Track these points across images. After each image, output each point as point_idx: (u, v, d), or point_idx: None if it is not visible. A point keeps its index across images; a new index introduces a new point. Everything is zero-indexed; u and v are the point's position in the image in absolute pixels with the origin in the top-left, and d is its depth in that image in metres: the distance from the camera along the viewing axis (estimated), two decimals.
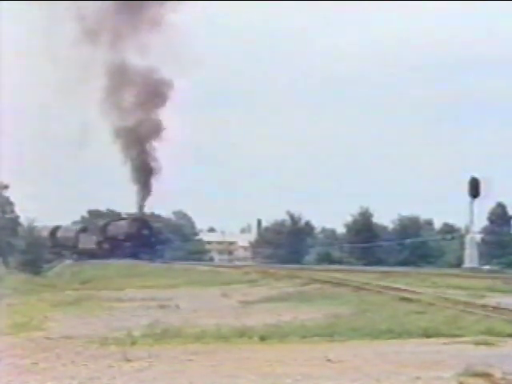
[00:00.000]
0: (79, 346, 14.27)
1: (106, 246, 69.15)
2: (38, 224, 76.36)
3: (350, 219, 75.99)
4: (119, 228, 69.31)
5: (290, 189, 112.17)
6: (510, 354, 12.44)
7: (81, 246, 72.19)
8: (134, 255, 62.24)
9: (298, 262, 65.04)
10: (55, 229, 78.10)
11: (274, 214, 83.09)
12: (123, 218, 73.86)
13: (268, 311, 20.65)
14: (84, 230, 75.00)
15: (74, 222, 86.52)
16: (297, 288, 27.86)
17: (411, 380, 10.34)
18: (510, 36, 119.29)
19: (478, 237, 55.00)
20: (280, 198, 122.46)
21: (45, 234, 76.95)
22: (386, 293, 23.11)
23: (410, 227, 76.45)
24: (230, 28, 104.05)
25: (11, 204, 78.45)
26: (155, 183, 66.62)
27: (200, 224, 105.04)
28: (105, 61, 64.39)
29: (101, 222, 73.86)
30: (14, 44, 54.47)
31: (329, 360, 11.94)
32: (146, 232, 66.41)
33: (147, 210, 74.60)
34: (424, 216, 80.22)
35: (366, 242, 68.98)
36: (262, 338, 14.66)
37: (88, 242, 71.10)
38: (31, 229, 66.59)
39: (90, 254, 66.91)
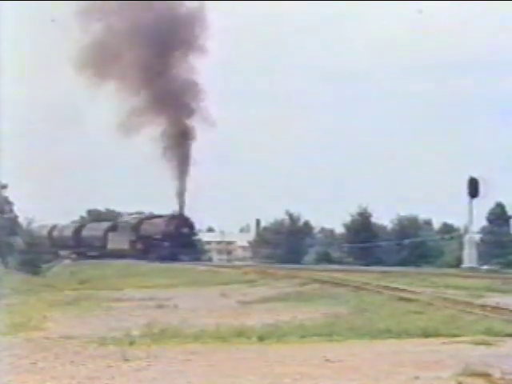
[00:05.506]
0: (78, 345, 14.26)
1: (140, 246, 63.50)
2: (62, 222, 74.05)
3: (348, 219, 76.01)
4: (155, 226, 63.16)
5: (289, 189, 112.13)
6: (509, 353, 12.42)
7: (110, 246, 67.06)
8: (173, 256, 56.43)
9: (297, 261, 64.97)
10: (79, 228, 73.96)
11: (272, 213, 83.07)
12: (157, 216, 67.14)
13: (267, 311, 20.64)
14: (113, 228, 69.11)
15: (73, 222, 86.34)
16: (296, 288, 27.84)
17: (410, 380, 10.33)
18: None
19: (477, 237, 55.03)
20: (279, 197, 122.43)
21: (67, 233, 72.89)
22: (385, 293, 23.10)
23: (409, 227, 76.42)
24: (235, 28, 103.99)
25: (10, 204, 78.29)
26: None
27: (199, 224, 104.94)
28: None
29: (133, 220, 67.85)
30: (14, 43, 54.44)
31: (327, 360, 11.94)
32: (186, 231, 60.76)
33: (146, 210, 74.54)
34: (423, 216, 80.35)
35: (365, 242, 68.98)
36: (261, 338, 14.63)
37: (119, 241, 65.51)
38: (30, 229, 66.01)
39: (121, 255, 61.27)
